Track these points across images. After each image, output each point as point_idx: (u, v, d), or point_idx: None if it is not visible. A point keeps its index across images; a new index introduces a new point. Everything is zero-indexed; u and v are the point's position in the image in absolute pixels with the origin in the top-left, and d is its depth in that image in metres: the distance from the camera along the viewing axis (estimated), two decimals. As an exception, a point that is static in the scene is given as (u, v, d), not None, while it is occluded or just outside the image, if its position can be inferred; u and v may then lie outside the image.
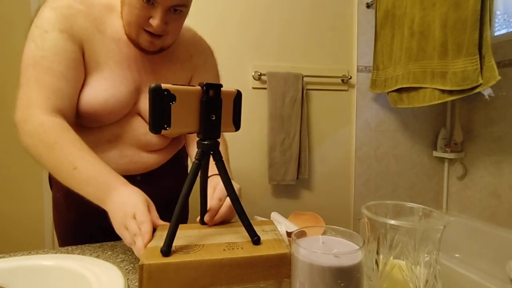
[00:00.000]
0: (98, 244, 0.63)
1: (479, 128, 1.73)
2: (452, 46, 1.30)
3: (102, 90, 0.64)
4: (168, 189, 0.76)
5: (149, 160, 0.75)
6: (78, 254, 0.58)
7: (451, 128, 1.87)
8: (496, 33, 1.63)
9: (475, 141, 1.76)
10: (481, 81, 1.22)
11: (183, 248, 0.40)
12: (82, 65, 0.63)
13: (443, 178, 1.93)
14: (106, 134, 0.68)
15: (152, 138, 0.73)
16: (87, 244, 0.63)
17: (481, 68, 1.23)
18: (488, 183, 1.69)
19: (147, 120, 0.68)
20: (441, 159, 1.92)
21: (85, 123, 0.67)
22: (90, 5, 0.65)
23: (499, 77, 1.18)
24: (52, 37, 0.60)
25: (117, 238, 0.54)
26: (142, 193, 0.55)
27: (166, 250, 0.38)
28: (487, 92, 1.27)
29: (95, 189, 0.54)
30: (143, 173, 0.76)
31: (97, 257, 0.56)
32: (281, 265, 0.39)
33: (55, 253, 0.59)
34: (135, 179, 0.73)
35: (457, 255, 1.68)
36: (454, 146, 1.82)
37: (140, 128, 0.71)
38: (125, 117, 0.70)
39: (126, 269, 0.53)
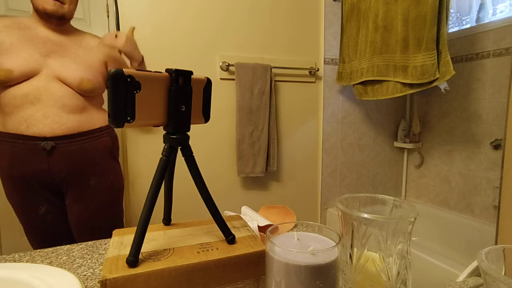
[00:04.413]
0: (51, 249, 0.57)
1: (434, 119, 1.85)
2: (413, 41, 1.35)
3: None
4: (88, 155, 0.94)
5: (68, 121, 0.89)
6: (27, 261, 0.52)
7: (410, 120, 1.99)
8: (450, 31, 1.74)
9: (430, 132, 1.88)
10: (438, 76, 1.29)
11: (151, 255, 0.36)
12: None
13: (403, 167, 2.06)
14: (28, 95, 0.85)
15: (66, 99, 0.89)
16: (38, 250, 0.56)
17: (438, 63, 1.29)
18: (441, 171, 1.82)
19: (66, 83, 0.88)
20: (401, 149, 2.04)
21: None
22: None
23: (454, 72, 1.26)
24: None
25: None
26: None
27: (134, 260, 0.33)
28: (443, 86, 1.35)
29: None
30: (67, 135, 0.89)
31: (50, 263, 0.51)
32: (259, 262, 0.38)
33: (-2, 262, 0.52)
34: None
35: (414, 238, 1.81)
36: (412, 137, 1.93)
37: (57, 91, 0.87)
38: (42, 82, 0.86)
39: (85, 275, 0.48)
